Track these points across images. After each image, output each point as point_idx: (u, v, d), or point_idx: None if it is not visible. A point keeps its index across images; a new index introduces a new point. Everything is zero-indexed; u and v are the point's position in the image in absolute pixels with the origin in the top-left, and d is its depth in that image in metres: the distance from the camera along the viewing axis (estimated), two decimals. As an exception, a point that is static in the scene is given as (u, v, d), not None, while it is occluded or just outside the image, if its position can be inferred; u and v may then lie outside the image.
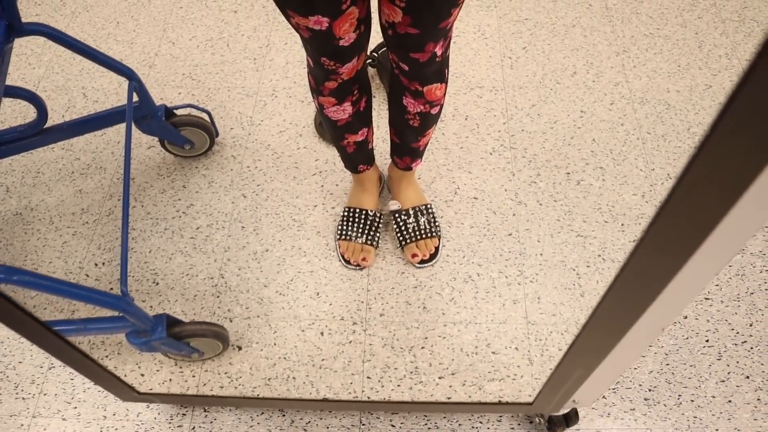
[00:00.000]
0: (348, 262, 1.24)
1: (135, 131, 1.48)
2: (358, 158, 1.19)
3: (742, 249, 1.25)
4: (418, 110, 1.05)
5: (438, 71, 0.99)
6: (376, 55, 1.49)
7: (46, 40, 1.71)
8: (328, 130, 1.13)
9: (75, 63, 1.63)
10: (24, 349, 1.18)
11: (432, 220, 1.26)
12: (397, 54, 0.94)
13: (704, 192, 0.36)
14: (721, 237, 0.39)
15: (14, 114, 1.54)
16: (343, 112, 1.06)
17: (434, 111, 1.07)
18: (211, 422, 1.09)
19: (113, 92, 1.57)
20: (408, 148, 1.16)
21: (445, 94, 1.07)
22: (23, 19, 1.03)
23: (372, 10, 0.91)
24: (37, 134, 1.20)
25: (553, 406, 0.73)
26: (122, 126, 1.51)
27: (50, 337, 0.59)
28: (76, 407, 1.12)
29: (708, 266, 0.43)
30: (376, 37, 1.66)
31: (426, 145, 1.18)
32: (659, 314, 0.50)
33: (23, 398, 1.13)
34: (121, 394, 0.81)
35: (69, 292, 0.86)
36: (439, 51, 0.93)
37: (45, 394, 1.13)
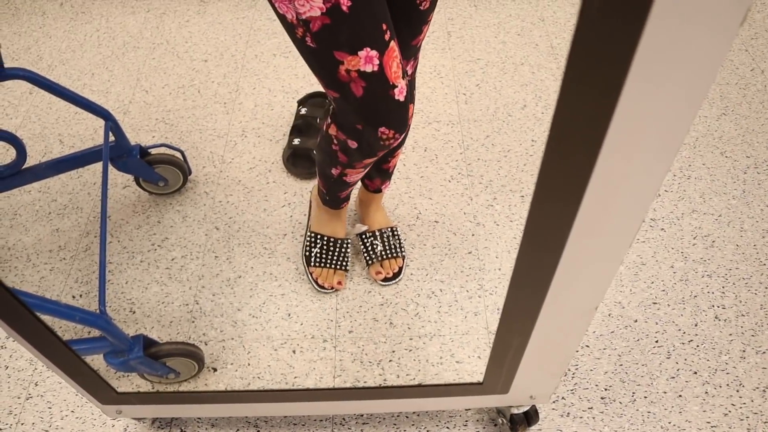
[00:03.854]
0: (322, 287, 1.30)
1: (111, 171, 1.55)
2: (345, 198, 1.24)
3: (684, 257, 1.34)
4: None
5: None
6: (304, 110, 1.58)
7: (23, 91, 1.79)
8: (333, 188, 1.13)
9: (51, 112, 1.71)
10: (0, 380, 1.21)
11: (397, 242, 1.33)
12: None
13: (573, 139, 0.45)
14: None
15: (-8, 161, 1.60)
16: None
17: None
18: (188, 443, 1.12)
19: (89, 138, 1.64)
20: (379, 169, 1.25)
21: (412, 116, 1.14)
22: (3, 68, 1.11)
23: None
24: (16, 173, 1.27)
25: (501, 383, 0.79)
26: (98, 168, 1.58)
27: (37, 326, 0.64)
28: (53, 435, 1.14)
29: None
30: (307, 88, 1.78)
31: (394, 166, 1.26)
32: (573, 267, 0.58)
33: (1, 429, 1.14)
34: (101, 395, 0.85)
35: (48, 309, 0.91)
36: (410, 70, 1.01)
37: (22, 424, 1.15)
